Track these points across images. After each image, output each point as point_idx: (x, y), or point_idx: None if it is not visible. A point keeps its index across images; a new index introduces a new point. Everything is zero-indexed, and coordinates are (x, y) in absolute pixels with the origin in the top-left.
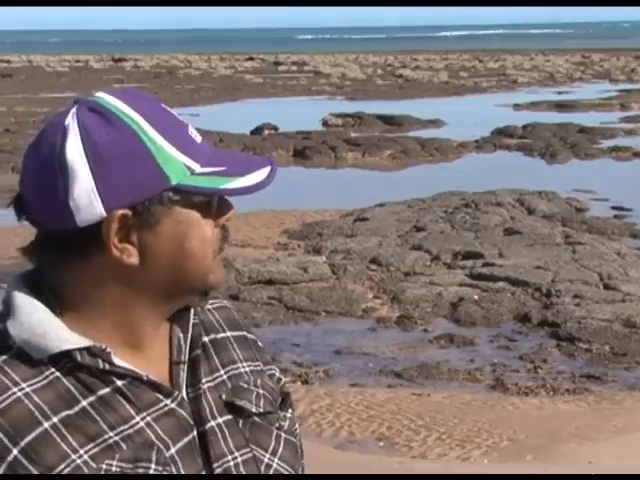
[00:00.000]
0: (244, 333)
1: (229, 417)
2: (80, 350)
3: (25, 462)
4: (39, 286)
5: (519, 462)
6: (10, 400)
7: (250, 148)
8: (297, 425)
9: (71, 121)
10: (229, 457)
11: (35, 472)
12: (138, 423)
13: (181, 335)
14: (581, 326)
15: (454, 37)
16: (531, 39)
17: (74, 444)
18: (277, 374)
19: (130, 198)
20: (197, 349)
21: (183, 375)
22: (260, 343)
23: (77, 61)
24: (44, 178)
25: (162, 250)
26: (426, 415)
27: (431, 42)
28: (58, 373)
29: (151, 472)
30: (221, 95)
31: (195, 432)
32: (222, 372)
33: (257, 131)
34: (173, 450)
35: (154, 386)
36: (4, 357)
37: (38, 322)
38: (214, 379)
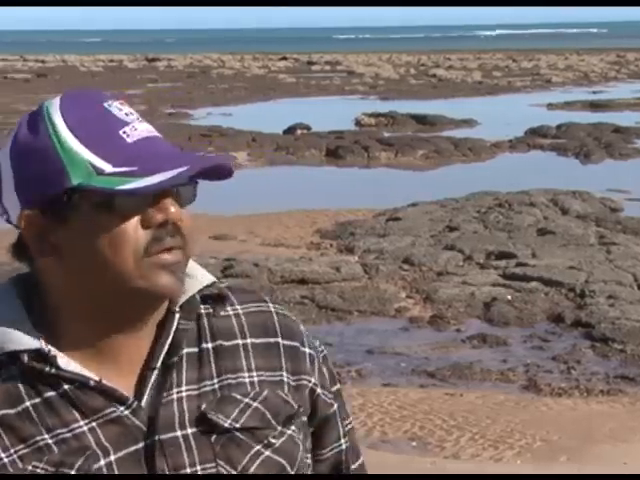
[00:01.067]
0: (276, 340)
1: (200, 429)
2: (28, 352)
3: None
4: (31, 286)
5: (552, 463)
6: None
7: (283, 148)
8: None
9: (16, 126)
10: (188, 470)
11: None
12: (80, 428)
13: (161, 343)
14: (615, 327)
15: (488, 37)
16: (565, 38)
17: (6, 443)
18: (315, 386)
19: (37, 197)
20: (177, 356)
21: (150, 382)
22: (307, 351)
23: (111, 61)
24: None
25: (74, 250)
26: (459, 415)
27: (464, 42)
28: (11, 372)
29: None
30: (254, 95)
31: (147, 441)
32: (215, 381)
33: (290, 131)
34: (113, 457)
35: (104, 392)
36: None
37: None
38: (199, 387)
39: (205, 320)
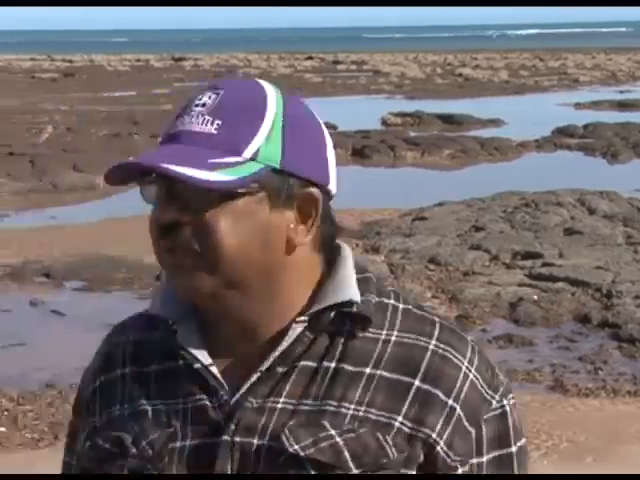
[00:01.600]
0: (412, 381)
1: (273, 443)
2: (157, 318)
3: (97, 396)
4: None
5: (579, 464)
6: (116, 340)
7: None
8: None
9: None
10: None
11: (97, 407)
12: (175, 405)
13: (275, 348)
14: None
15: (518, 36)
16: (593, 38)
17: (125, 397)
18: (436, 443)
19: None
20: (286, 366)
21: (249, 384)
22: (449, 402)
23: (138, 60)
24: None
25: None
26: None
27: (491, 41)
28: (157, 333)
29: (139, 448)
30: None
31: (220, 439)
32: (316, 402)
33: None
34: (188, 442)
35: (203, 378)
36: (148, 309)
37: (156, 288)
38: (297, 404)
39: (342, 338)
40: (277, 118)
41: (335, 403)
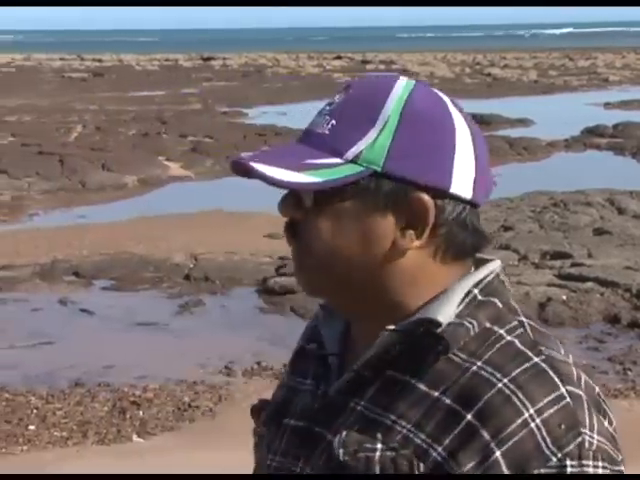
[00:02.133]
0: (465, 414)
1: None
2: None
3: (289, 362)
4: None
5: None
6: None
7: None
8: None
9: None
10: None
11: (285, 375)
12: (304, 385)
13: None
14: None
15: (546, 35)
16: (623, 37)
17: (289, 370)
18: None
19: None
20: (372, 370)
21: (342, 380)
22: (490, 445)
23: (167, 60)
24: None
25: None
26: None
27: (520, 41)
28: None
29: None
30: (309, 94)
31: (307, 425)
32: (376, 410)
33: None
34: (292, 422)
35: (320, 365)
36: None
37: None
38: (370, 410)
39: (428, 355)
40: (392, 118)
41: (394, 418)
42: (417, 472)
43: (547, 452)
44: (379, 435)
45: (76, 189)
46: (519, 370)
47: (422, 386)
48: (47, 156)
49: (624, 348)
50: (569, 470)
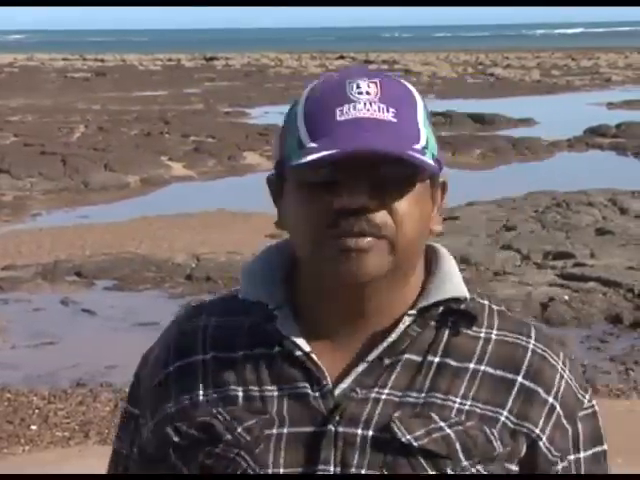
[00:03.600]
0: (515, 377)
1: (379, 435)
2: (256, 304)
3: (171, 382)
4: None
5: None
6: (192, 324)
7: None
8: None
9: None
10: (353, 469)
11: (172, 393)
12: (270, 392)
13: (384, 340)
14: None
15: (547, 35)
16: (626, 37)
17: (208, 382)
18: (539, 438)
19: (276, 164)
20: (393, 357)
21: (356, 373)
22: (549, 400)
23: (169, 60)
24: None
25: (287, 223)
26: None
27: (523, 40)
28: (244, 318)
29: (235, 434)
30: None
31: (321, 428)
32: (421, 395)
33: None
34: (285, 430)
35: (305, 366)
36: (224, 293)
37: (256, 271)
38: (402, 396)
39: (446, 333)
40: (424, 111)
41: (442, 396)
42: (494, 439)
43: (580, 397)
44: (434, 415)
45: (78, 189)
46: (533, 333)
47: (452, 362)
48: (50, 156)
49: (626, 348)
50: (596, 408)
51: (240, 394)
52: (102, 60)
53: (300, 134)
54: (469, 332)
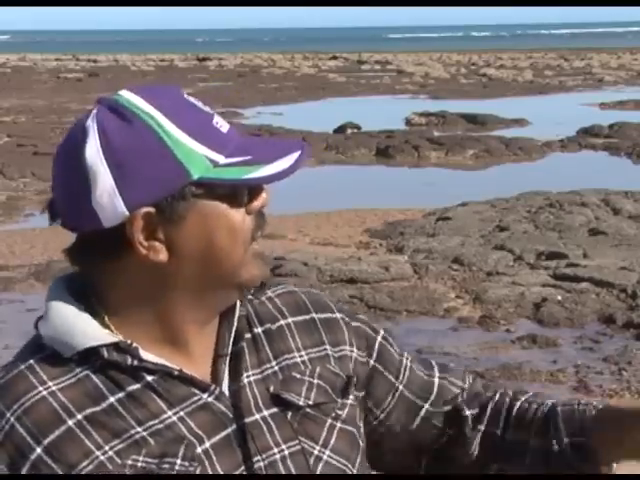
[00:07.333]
0: (311, 315)
1: (275, 410)
2: (106, 346)
3: (49, 461)
4: (83, 287)
5: None
6: (35, 399)
7: (333, 147)
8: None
9: (91, 122)
10: (275, 450)
11: (59, 471)
12: (170, 418)
13: (227, 330)
14: None
15: (539, 36)
16: (618, 37)
17: (99, 440)
18: (353, 354)
19: (152, 196)
20: (241, 342)
21: (224, 369)
22: (338, 316)
23: (162, 60)
24: (68, 180)
25: (190, 245)
26: None
27: (516, 41)
28: (87, 371)
29: (177, 467)
30: (304, 94)
31: (234, 426)
32: (273, 363)
33: (340, 130)
34: (208, 444)
35: (187, 380)
36: (37, 356)
37: (63, 320)
38: (262, 371)
39: (250, 306)
40: None
41: (289, 355)
42: (340, 372)
43: (331, 301)
44: (297, 374)
45: None
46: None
47: (271, 326)
48: (43, 157)
49: (619, 348)
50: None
51: (144, 433)
52: (95, 60)
53: (201, 152)
54: (254, 300)
